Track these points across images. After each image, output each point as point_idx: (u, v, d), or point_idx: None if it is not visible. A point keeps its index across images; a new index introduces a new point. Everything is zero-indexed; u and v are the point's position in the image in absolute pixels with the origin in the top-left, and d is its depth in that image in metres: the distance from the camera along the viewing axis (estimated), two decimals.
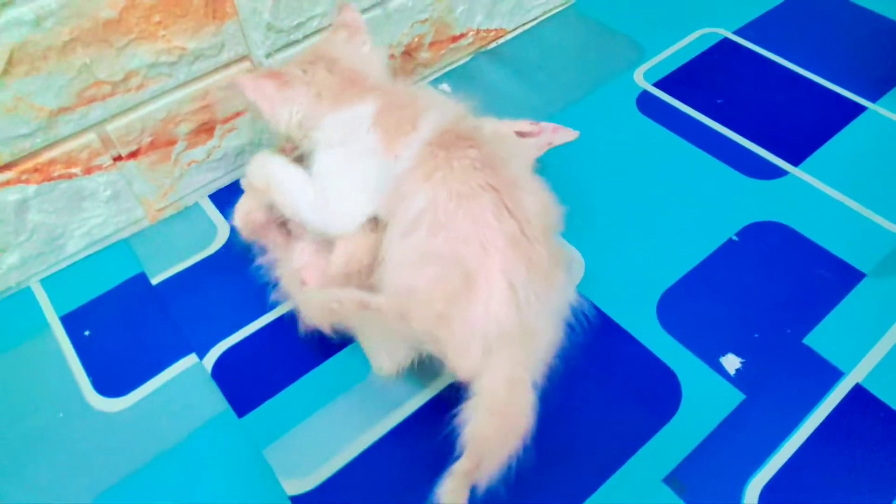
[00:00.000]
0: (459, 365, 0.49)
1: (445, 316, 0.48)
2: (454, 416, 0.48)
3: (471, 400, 0.48)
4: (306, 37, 0.75)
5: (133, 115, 0.67)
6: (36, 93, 0.60)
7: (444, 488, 0.47)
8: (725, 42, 0.96)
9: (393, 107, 0.56)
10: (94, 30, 0.59)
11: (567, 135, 0.70)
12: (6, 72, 0.57)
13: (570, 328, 0.54)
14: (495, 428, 0.48)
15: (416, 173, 0.52)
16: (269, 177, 0.60)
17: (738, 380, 0.63)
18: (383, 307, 0.50)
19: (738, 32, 0.98)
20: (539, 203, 0.52)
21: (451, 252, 0.49)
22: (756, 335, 0.66)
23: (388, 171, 0.54)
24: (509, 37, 0.98)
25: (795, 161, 0.81)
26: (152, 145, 0.71)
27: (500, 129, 0.69)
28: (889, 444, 0.59)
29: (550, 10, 1.01)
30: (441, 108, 0.56)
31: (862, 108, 0.86)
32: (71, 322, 0.69)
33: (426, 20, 0.86)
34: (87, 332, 0.68)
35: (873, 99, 0.87)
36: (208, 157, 0.76)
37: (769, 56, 0.94)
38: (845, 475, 0.57)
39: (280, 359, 0.65)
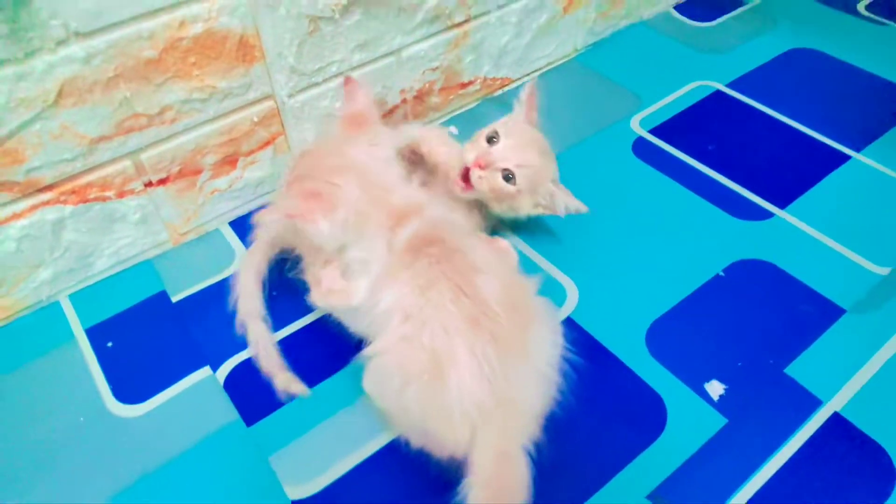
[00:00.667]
0: (455, 447, 0.52)
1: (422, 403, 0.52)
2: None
3: (468, 477, 0.51)
4: (325, 80, 0.82)
5: (165, 146, 0.73)
6: (80, 122, 0.66)
7: None
8: (718, 94, 1.03)
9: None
10: (136, 67, 0.66)
11: None
12: (56, 102, 0.64)
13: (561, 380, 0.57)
14: (492, 500, 0.50)
15: (388, 274, 0.57)
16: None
17: (722, 405, 0.66)
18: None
19: (730, 85, 1.04)
20: (499, 281, 0.56)
21: (418, 338, 0.53)
22: (739, 364, 0.69)
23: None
24: (514, 85, 1.05)
25: (782, 204, 0.85)
26: (180, 174, 0.77)
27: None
28: (864, 469, 0.61)
29: (554, 62, 1.09)
30: (425, 216, 0.61)
31: (847, 157, 0.91)
32: (95, 334, 0.74)
33: (436, 68, 0.93)
34: (109, 344, 0.73)
35: (858, 149, 0.92)
36: (230, 186, 0.82)
37: (759, 107, 1.00)
38: (822, 498, 0.59)
39: None
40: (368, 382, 0.61)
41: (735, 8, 1.21)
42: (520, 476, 0.51)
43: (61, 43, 0.61)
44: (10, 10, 0.56)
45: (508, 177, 0.71)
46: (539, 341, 0.56)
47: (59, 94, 0.63)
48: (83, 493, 0.61)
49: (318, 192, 0.61)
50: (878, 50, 1.09)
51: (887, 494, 0.60)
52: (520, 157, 0.71)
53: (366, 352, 0.57)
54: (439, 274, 0.55)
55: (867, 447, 0.63)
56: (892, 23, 1.16)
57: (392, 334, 0.55)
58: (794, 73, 1.06)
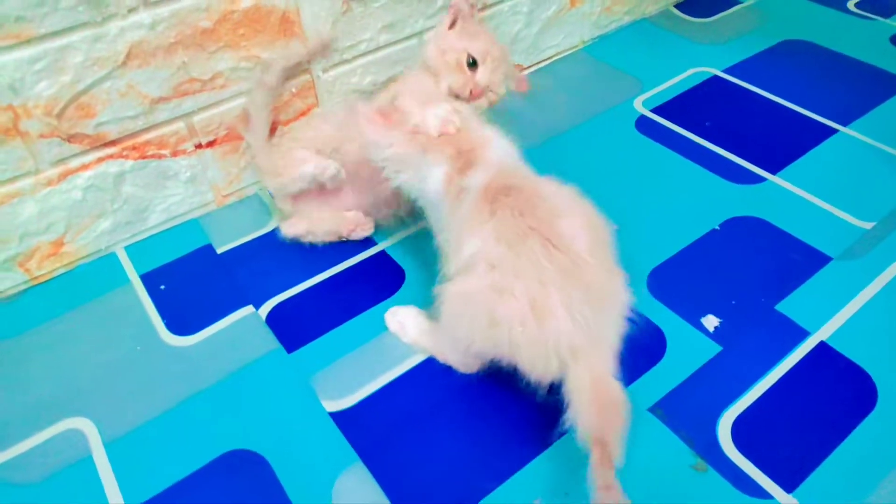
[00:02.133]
0: (542, 376, 0.59)
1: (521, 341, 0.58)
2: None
3: (570, 407, 0.57)
4: (355, 57, 0.91)
5: (215, 110, 0.82)
6: (143, 83, 0.75)
7: (597, 483, 0.53)
8: (715, 78, 1.11)
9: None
10: (193, 36, 0.75)
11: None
12: (124, 63, 0.72)
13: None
14: (599, 414, 0.55)
15: (470, 223, 0.61)
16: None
17: (717, 335, 0.72)
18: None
19: (726, 71, 1.12)
20: (582, 221, 0.60)
21: (510, 290, 0.57)
22: (733, 302, 0.76)
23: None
24: (526, 72, 1.14)
25: (773, 170, 0.92)
26: (226, 138, 0.85)
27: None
28: (847, 389, 0.67)
29: (562, 51, 1.17)
30: (494, 164, 0.64)
31: (834, 131, 0.99)
32: (149, 279, 0.81)
33: None
34: (162, 287, 0.80)
35: (845, 123, 1.00)
36: None
37: (754, 90, 1.07)
38: (807, 412, 0.66)
39: (322, 310, 0.77)
40: (423, 323, 0.71)
41: (732, 6, 1.29)
42: (616, 388, 0.57)
43: (132, 10, 0.70)
44: None
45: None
46: (618, 289, 0.61)
47: (128, 56, 0.72)
48: (142, 405, 0.69)
49: (389, 115, 0.68)
50: (865, 41, 1.17)
51: (869, 409, 0.66)
52: (496, 75, 0.77)
53: (447, 287, 0.62)
54: (525, 228, 0.58)
55: (850, 371, 0.69)
56: (879, 18, 1.24)
57: (479, 280, 0.59)
58: (786, 61, 1.14)
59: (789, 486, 0.60)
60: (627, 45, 1.19)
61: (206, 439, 0.66)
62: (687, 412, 0.66)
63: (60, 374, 0.72)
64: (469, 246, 0.60)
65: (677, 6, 1.30)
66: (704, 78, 1.11)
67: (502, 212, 0.60)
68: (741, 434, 0.64)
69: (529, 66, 1.14)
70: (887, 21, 1.23)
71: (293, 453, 0.65)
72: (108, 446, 0.65)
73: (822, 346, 0.71)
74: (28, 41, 0.66)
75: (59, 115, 0.71)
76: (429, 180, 0.66)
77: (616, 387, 0.57)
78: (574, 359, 0.57)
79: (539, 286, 0.57)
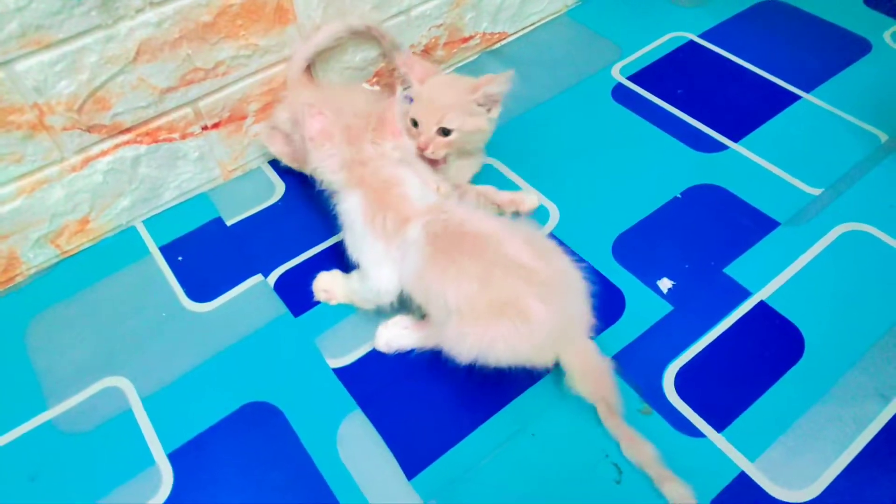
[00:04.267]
0: (542, 365, 0.71)
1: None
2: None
3: (568, 378, 0.71)
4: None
5: (218, 95, 0.89)
6: (153, 75, 0.82)
7: (616, 435, 0.70)
8: (691, 43, 1.16)
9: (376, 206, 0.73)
10: (196, 30, 0.81)
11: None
12: (135, 59, 0.79)
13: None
14: (594, 382, 0.71)
15: (433, 272, 0.69)
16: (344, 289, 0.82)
17: (670, 296, 0.82)
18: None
19: (702, 36, 1.17)
20: (520, 240, 0.70)
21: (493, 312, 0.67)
22: (686, 266, 0.85)
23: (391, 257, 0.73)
24: (510, 39, 1.19)
25: (736, 138, 1.00)
26: (230, 119, 0.93)
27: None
28: (779, 342, 0.78)
29: (546, 17, 1.22)
30: (418, 209, 0.72)
31: (797, 97, 1.05)
32: (167, 251, 0.91)
33: (441, 24, 1.07)
34: (180, 258, 0.90)
35: (807, 90, 1.06)
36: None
37: (725, 55, 1.13)
38: (741, 364, 0.76)
39: None
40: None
41: None
42: (603, 362, 0.72)
43: (139, 11, 0.76)
44: None
45: (446, 131, 0.83)
46: (569, 268, 0.72)
47: (137, 53, 0.79)
48: (170, 365, 0.80)
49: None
50: (840, 1, 1.21)
51: (795, 360, 0.76)
52: (435, 118, 0.82)
53: (446, 330, 0.70)
54: (485, 265, 0.68)
55: (784, 327, 0.79)
56: None
57: (473, 316, 0.68)
58: (760, 24, 1.19)
59: (720, 426, 0.72)
60: (609, 8, 1.24)
61: (228, 393, 0.77)
62: (638, 364, 0.77)
63: (96, 338, 0.82)
64: (448, 297, 0.69)
65: None
66: (681, 43, 1.16)
67: (461, 254, 0.69)
68: (683, 383, 0.75)
69: (514, 33, 1.19)
70: None
71: (302, 403, 0.76)
72: (145, 401, 0.77)
73: (761, 305, 0.81)
74: (48, 46, 0.73)
75: (79, 110, 0.79)
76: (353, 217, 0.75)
77: (601, 358, 0.72)
78: (563, 343, 0.70)
79: (516, 297, 0.67)
